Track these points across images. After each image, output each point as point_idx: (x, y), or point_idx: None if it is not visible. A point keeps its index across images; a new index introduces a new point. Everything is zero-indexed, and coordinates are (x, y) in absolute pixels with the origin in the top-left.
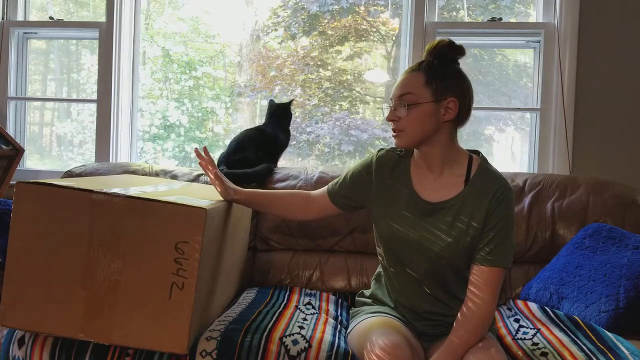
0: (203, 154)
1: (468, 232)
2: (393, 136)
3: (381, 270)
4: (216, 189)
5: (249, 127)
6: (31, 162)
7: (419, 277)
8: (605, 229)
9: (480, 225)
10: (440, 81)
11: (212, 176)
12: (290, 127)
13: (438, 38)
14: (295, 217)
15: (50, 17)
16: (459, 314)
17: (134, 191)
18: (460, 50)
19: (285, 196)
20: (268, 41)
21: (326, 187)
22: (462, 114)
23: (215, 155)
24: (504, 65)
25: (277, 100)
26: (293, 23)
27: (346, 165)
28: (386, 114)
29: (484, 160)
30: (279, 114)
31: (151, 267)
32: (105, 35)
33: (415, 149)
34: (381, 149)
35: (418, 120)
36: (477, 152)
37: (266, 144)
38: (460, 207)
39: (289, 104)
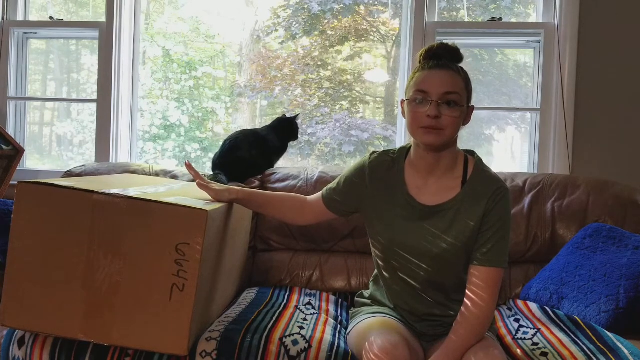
0: (187, 169)
1: (466, 233)
2: (427, 133)
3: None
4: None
5: (248, 127)
6: (31, 162)
7: (415, 282)
8: (605, 229)
9: (478, 226)
10: (469, 87)
11: (198, 187)
12: (290, 143)
13: (451, 41)
14: (290, 222)
15: (50, 17)
16: (458, 315)
17: (134, 192)
18: (460, 58)
19: (282, 199)
20: (269, 42)
21: (321, 192)
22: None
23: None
24: (504, 65)
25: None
26: (294, 23)
27: (347, 164)
28: (419, 108)
29: (479, 161)
30: (282, 126)
31: (152, 268)
32: (105, 35)
33: (412, 153)
34: (373, 152)
35: (458, 122)
36: (471, 153)
37: (259, 143)
38: (458, 209)
39: (293, 118)
